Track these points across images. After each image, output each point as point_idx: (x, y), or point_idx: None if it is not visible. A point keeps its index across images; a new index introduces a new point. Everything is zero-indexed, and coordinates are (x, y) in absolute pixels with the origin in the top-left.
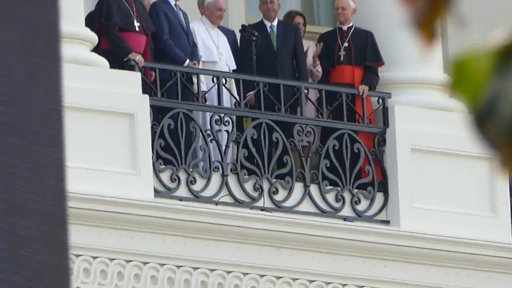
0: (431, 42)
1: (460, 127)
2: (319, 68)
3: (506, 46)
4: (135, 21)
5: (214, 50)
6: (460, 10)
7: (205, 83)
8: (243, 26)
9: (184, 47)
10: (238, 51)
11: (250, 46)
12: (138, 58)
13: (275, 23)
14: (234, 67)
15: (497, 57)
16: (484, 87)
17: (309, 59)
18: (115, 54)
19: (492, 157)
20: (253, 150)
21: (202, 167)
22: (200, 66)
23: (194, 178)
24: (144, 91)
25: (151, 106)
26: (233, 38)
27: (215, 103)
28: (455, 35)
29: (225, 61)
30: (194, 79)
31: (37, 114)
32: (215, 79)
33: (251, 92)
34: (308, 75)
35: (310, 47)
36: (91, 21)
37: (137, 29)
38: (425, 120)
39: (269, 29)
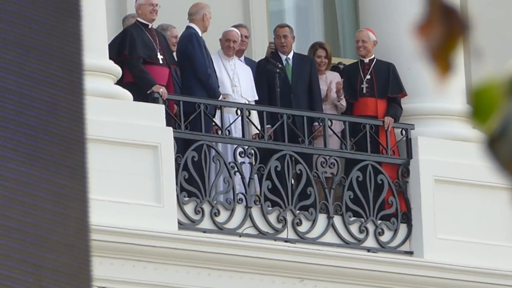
0: (446, 73)
1: (483, 158)
2: (343, 102)
3: None
4: (159, 53)
5: (228, 82)
6: (475, 41)
7: (225, 116)
8: (266, 58)
9: (216, 80)
10: (256, 83)
11: (273, 78)
12: (162, 90)
13: (290, 55)
14: (255, 98)
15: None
16: (499, 111)
17: (333, 93)
18: (138, 86)
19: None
20: (277, 182)
21: (226, 199)
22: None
23: (218, 210)
24: (168, 124)
25: (175, 139)
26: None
27: (239, 135)
28: (473, 65)
29: (240, 93)
30: (218, 112)
31: (60, 146)
32: (238, 111)
33: (269, 126)
34: (322, 108)
35: (334, 80)
36: (114, 54)
37: (161, 61)
38: (448, 151)
39: (284, 62)
